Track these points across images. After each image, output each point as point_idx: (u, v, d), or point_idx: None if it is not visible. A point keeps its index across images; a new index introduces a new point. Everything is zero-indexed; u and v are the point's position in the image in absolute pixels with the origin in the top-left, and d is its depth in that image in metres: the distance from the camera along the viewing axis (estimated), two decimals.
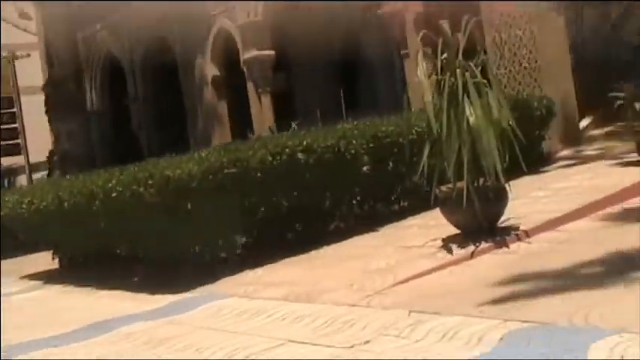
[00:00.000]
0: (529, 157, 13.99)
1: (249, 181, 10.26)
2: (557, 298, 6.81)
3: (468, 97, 8.94)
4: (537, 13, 15.50)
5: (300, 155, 10.59)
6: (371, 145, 11.43)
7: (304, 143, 10.67)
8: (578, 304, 6.49)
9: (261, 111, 21.69)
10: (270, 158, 10.38)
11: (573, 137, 15.43)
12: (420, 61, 9.03)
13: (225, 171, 10.00)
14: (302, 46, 24.16)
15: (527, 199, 11.46)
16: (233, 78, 23.14)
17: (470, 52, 9.42)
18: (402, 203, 12.21)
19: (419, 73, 8.99)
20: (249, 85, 22.13)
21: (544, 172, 13.69)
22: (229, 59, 23.16)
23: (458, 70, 9.08)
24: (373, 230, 11.28)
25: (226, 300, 8.87)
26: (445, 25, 9.18)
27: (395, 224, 11.52)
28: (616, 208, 10.41)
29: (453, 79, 9.13)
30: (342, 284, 8.54)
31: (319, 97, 23.43)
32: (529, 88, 15.47)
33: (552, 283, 7.32)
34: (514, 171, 13.35)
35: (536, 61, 15.49)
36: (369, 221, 11.66)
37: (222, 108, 23.73)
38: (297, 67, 24.59)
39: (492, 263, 8.53)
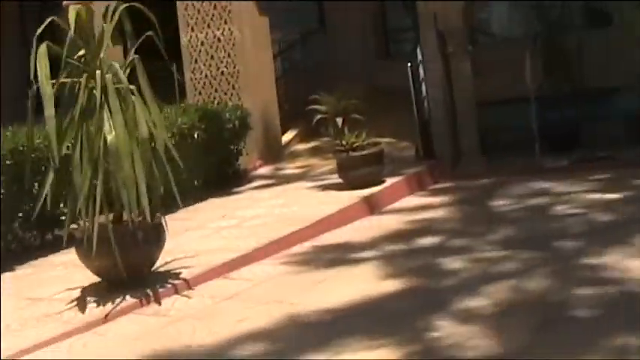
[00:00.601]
0: (220, 176, 12.16)
1: None
2: None
3: (109, 108, 6.75)
4: (238, 11, 13.55)
5: None
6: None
7: None
8: None
9: None
10: None
11: (275, 153, 13.61)
12: (42, 59, 6.71)
13: None
14: None
15: (207, 230, 9.49)
16: None
17: None
18: (56, 232, 9.78)
19: (39, 75, 6.67)
20: None
21: (237, 193, 11.74)
22: None
23: (98, 72, 6.87)
24: (9, 269, 8.85)
25: None
26: (73, 8, 6.93)
27: (41, 260, 9.15)
28: (306, 246, 8.62)
29: (93, 84, 6.92)
30: None
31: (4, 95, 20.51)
32: (227, 96, 13.52)
33: None
34: (201, 192, 11.54)
35: (234, 66, 13.54)
36: (11, 255, 9.20)
37: None
38: None
39: (130, 331, 6.40)
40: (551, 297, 6.05)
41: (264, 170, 13.11)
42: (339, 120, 10.66)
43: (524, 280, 6.49)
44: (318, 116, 10.92)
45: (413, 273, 7.08)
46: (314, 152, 13.58)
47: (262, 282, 7.41)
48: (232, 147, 12.39)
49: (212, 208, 10.92)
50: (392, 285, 6.76)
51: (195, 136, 11.25)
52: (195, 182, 11.35)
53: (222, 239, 8.95)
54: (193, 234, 9.32)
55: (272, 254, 8.35)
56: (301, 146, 14.13)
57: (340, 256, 8.02)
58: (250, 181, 12.48)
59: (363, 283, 6.93)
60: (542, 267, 6.79)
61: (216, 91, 13.67)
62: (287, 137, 14.30)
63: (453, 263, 7.22)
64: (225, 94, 13.58)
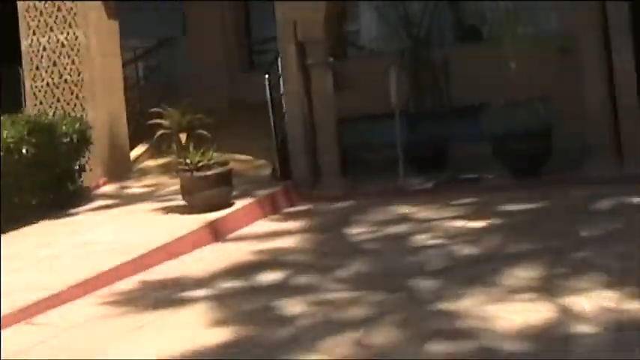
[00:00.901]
0: (58, 195, 10.96)
1: None
2: None
3: None
4: (85, 14, 12.40)
5: None
6: None
7: None
8: None
9: None
10: None
11: (122, 169, 12.46)
12: None
13: None
14: None
15: (24, 261, 8.39)
16: None
17: None
18: None
19: None
20: None
21: (73, 215, 10.58)
22: None
23: None
24: None
25: None
26: None
27: None
28: (133, 281, 7.58)
29: None
30: None
31: None
32: (70, 106, 12.34)
33: None
34: (32, 213, 10.34)
35: (79, 74, 12.38)
36: None
37: None
38: None
39: None
40: (398, 354, 5.15)
41: (108, 189, 11.98)
42: (183, 136, 9.65)
43: (370, 330, 5.59)
44: (161, 131, 9.89)
45: (246, 319, 6.11)
46: (165, 169, 12.45)
47: (71, 328, 6.34)
48: (72, 163, 11.24)
49: (40, 232, 9.79)
50: (218, 334, 5.78)
51: (24, 151, 10.11)
52: (31, 201, 10.27)
53: (37, 273, 7.84)
54: (5, 266, 8.13)
55: (92, 291, 7.30)
56: (152, 162, 13.01)
57: (169, 294, 7.01)
58: (91, 200, 11.35)
59: (187, 330, 5.95)
60: (393, 313, 5.90)
61: (58, 100, 12.52)
62: (137, 152, 13.19)
63: (293, 306, 6.28)
64: (68, 104, 12.45)
